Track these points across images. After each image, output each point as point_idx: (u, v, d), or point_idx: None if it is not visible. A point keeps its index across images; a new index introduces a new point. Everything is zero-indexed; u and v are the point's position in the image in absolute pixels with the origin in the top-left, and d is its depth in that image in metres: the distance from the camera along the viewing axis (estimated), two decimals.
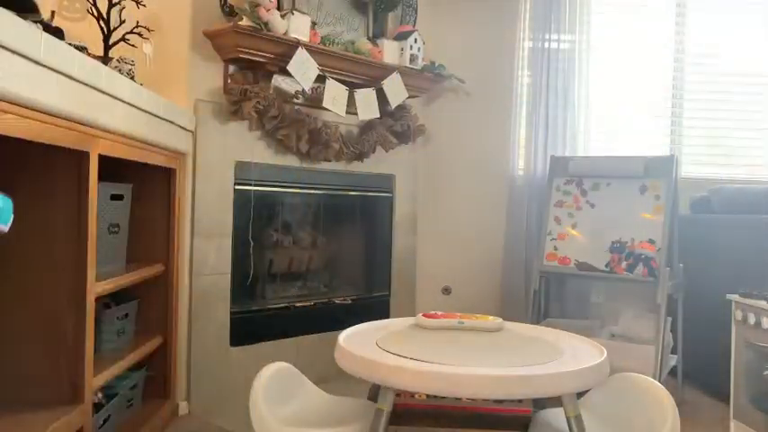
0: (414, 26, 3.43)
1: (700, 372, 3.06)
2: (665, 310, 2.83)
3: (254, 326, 2.92)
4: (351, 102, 3.04)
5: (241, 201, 2.82)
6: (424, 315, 1.96)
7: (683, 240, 3.07)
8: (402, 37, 3.33)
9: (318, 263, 3.44)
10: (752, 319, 2.33)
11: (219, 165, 2.73)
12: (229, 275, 2.78)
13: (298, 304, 3.17)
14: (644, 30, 3.85)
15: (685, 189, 3.29)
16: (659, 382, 2.12)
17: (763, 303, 2.30)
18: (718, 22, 3.85)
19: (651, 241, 2.93)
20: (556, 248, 3.12)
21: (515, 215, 3.66)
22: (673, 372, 3.01)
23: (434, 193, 3.69)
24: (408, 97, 3.30)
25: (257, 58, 2.70)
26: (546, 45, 3.66)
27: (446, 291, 3.50)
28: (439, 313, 1.97)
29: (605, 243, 3.03)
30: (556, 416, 1.77)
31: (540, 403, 1.90)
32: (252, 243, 2.85)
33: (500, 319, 1.94)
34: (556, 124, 3.64)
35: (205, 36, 2.65)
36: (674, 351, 3.03)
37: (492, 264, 3.71)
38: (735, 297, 2.46)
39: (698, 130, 3.91)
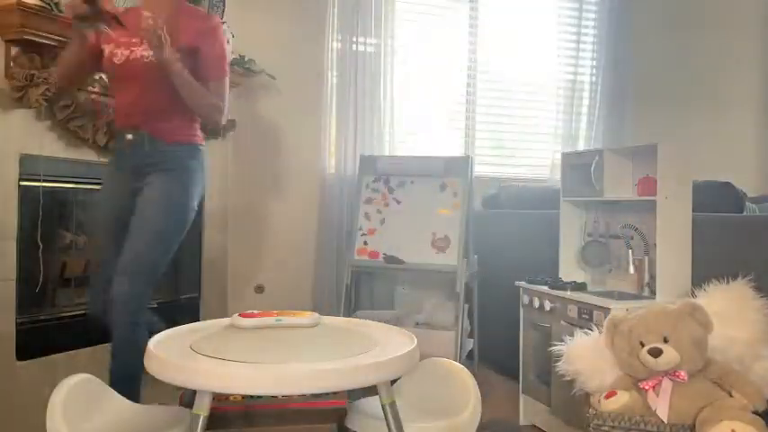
0: (222, 18, 3.33)
1: (493, 353, 3.38)
2: (463, 298, 3.09)
3: (45, 336, 2.64)
4: None
5: (28, 198, 2.52)
6: (240, 315, 1.92)
7: (476, 233, 3.37)
8: None
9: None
10: (536, 303, 2.63)
11: (1, 158, 2.42)
12: (14, 282, 2.48)
13: None
14: (442, 40, 4.15)
15: (477, 187, 3.61)
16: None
17: (544, 288, 2.61)
18: (504, 38, 4.27)
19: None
20: (366, 243, 3.25)
21: (327, 212, 3.74)
22: (470, 354, 3.30)
23: (246, 190, 3.63)
24: None
25: (46, 41, 2.44)
26: (353, 47, 3.78)
27: (259, 289, 3.46)
28: (256, 312, 1.94)
29: (410, 237, 3.22)
30: (370, 404, 1.84)
31: (355, 394, 1.97)
32: (41, 245, 2.57)
33: (317, 315, 1.97)
34: (364, 124, 3.78)
35: None
36: (470, 335, 3.32)
37: (305, 260, 3.74)
38: (522, 283, 2.76)
39: (486, 132, 4.32)
